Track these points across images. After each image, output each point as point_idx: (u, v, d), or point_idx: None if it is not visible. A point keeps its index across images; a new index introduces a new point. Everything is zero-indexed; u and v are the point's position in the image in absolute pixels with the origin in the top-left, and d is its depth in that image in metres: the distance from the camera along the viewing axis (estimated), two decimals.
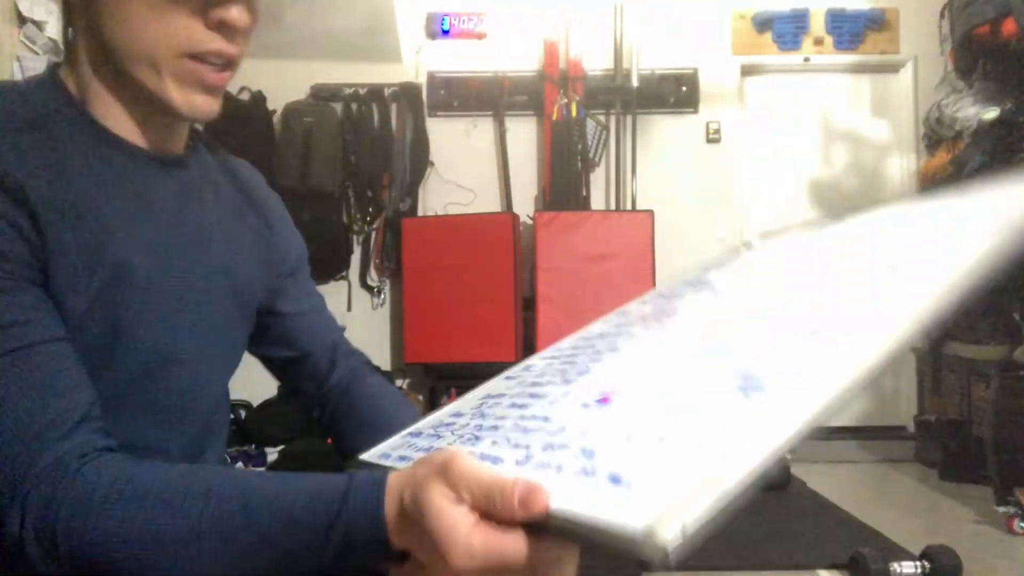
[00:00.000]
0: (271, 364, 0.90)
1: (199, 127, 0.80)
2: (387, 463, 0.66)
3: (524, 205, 3.53)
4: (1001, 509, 2.34)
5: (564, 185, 3.38)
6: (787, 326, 0.62)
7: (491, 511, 0.43)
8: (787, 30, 3.58)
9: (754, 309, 0.70)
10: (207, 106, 0.68)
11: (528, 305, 3.09)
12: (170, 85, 0.65)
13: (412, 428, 0.72)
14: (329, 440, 0.96)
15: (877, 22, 3.58)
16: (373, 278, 3.55)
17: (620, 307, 0.88)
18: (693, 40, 3.57)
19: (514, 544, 0.42)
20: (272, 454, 2.67)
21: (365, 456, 0.70)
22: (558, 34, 3.53)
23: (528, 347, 3.05)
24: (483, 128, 3.61)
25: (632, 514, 0.42)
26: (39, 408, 0.57)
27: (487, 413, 0.68)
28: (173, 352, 0.71)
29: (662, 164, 3.55)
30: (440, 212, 3.46)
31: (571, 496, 0.47)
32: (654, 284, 2.93)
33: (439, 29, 3.56)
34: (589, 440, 0.52)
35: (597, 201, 3.50)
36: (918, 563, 1.79)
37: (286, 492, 0.52)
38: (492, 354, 2.98)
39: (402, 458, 0.66)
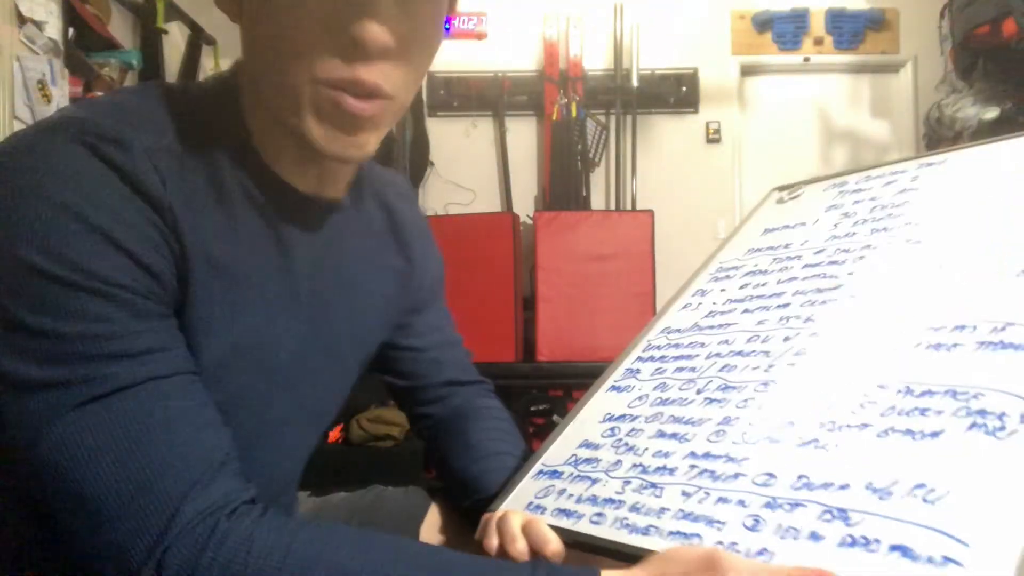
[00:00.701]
0: (384, 382, 0.87)
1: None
2: (548, 519, 0.59)
3: (524, 205, 3.53)
4: None
5: (564, 185, 3.38)
6: (958, 327, 0.50)
7: None
8: (787, 30, 3.58)
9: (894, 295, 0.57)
10: (355, 143, 0.56)
11: (528, 305, 3.09)
12: (310, 119, 0.54)
13: (542, 465, 0.65)
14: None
15: (877, 22, 3.58)
16: None
17: (689, 286, 0.78)
18: (693, 40, 3.57)
19: None
20: None
21: (507, 504, 0.64)
22: (558, 34, 3.53)
23: (528, 347, 3.05)
24: (483, 128, 3.61)
25: None
26: (183, 442, 0.50)
27: (633, 445, 0.60)
28: (270, 422, 0.65)
29: (662, 164, 3.55)
30: (440, 212, 3.46)
31: (846, 570, 0.40)
32: (654, 284, 2.92)
33: None
34: (825, 495, 0.45)
35: (597, 201, 3.50)
36: None
37: None
38: (492, 354, 2.98)
39: (562, 512, 0.59)
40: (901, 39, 3.59)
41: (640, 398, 0.65)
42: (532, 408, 2.82)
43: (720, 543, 0.47)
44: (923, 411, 0.46)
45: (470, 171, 3.55)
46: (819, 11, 3.58)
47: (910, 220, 0.64)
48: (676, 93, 3.54)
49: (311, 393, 0.68)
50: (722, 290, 0.73)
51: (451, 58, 3.56)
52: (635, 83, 3.43)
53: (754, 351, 0.60)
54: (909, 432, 0.45)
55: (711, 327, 0.68)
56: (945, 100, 3.09)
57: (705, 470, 0.52)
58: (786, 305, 0.63)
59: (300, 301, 0.64)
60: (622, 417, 0.64)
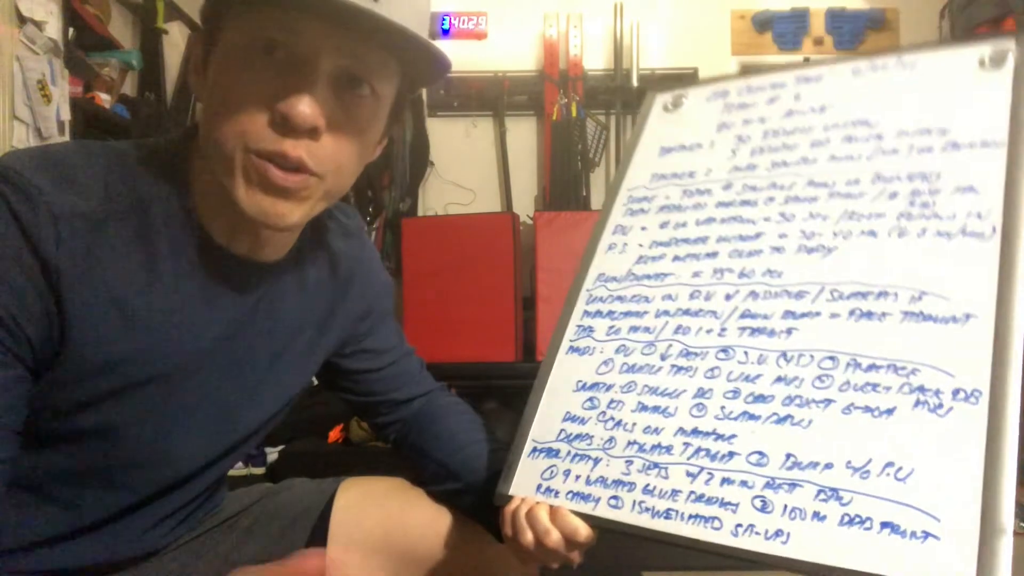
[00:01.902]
0: (343, 399, 0.93)
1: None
2: (565, 503, 0.63)
3: (524, 205, 3.53)
4: None
5: (564, 185, 3.38)
6: (880, 298, 0.56)
7: None
8: (787, 30, 3.58)
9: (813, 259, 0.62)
10: (275, 210, 0.60)
11: (528, 305, 3.09)
12: (239, 184, 0.60)
13: (534, 442, 0.69)
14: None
15: (877, 22, 3.58)
16: None
17: (606, 220, 0.81)
18: (693, 40, 3.57)
19: None
20: (272, 454, 2.67)
21: (515, 488, 0.68)
22: (558, 34, 3.53)
23: (528, 347, 3.05)
24: (483, 128, 3.61)
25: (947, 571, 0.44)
26: None
27: (619, 419, 0.64)
28: (172, 444, 0.72)
29: None
30: (440, 212, 3.46)
31: (848, 551, 0.48)
32: None
33: (439, 29, 3.56)
34: (815, 475, 0.52)
35: (597, 201, 3.49)
36: None
37: None
38: (492, 354, 2.98)
39: (577, 495, 0.63)
40: (901, 39, 3.58)
41: (606, 363, 0.68)
42: None
43: (739, 525, 0.54)
44: (874, 387, 0.54)
45: (470, 171, 3.55)
46: (819, 11, 3.58)
47: (806, 155, 0.68)
48: None
49: (219, 425, 0.75)
50: (642, 228, 0.77)
51: (451, 58, 3.54)
52: (635, 83, 3.43)
53: (701, 310, 0.66)
54: (868, 409, 0.53)
55: (647, 276, 0.72)
56: None
57: (699, 448, 0.58)
58: (715, 255, 0.68)
59: (221, 352, 0.70)
60: (596, 386, 0.68)
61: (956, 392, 0.50)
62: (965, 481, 0.47)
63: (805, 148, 0.69)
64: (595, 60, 3.55)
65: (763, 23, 3.59)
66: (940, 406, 0.50)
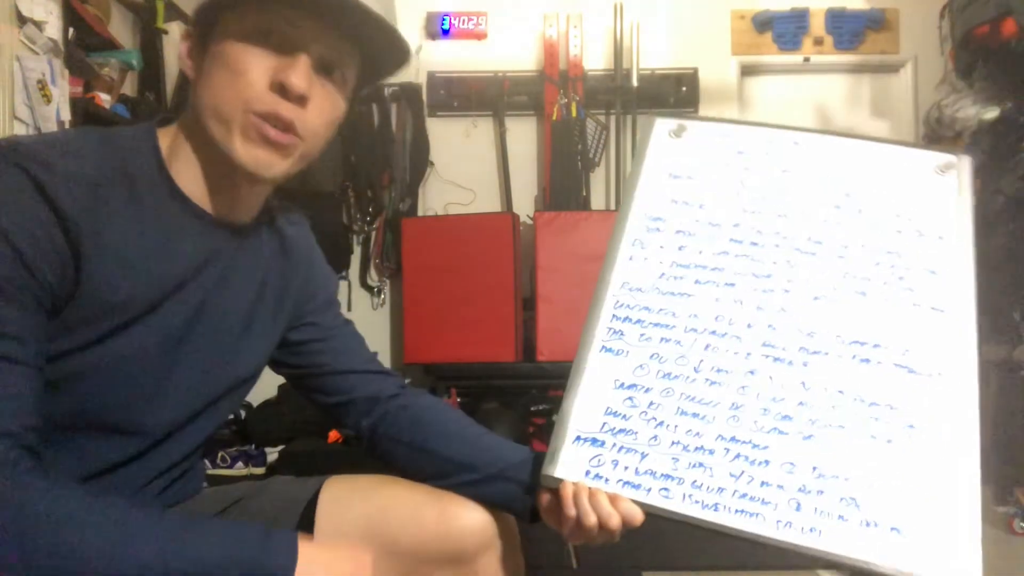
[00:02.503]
0: (291, 376, 0.97)
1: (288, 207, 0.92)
2: (618, 490, 0.70)
3: (524, 205, 3.53)
4: (1001, 509, 2.34)
5: (564, 185, 3.38)
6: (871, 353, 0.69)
7: None
8: (787, 30, 3.58)
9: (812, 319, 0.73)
10: (268, 160, 0.73)
11: (528, 305, 3.09)
12: (236, 139, 0.72)
13: (577, 431, 0.75)
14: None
15: (877, 22, 3.58)
16: (373, 278, 3.55)
17: (623, 231, 0.86)
18: (693, 40, 3.57)
19: None
20: (272, 454, 2.67)
21: (560, 471, 0.73)
22: (558, 34, 3.53)
23: (528, 347, 3.05)
24: (483, 128, 3.61)
25: (940, 567, 0.58)
26: None
27: (661, 420, 0.72)
28: (169, 376, 0.78)
29: None
30: (440, 212, 3.46)
31: (868, 548, 0.60)
32: None
33: (439, 29, 3.56)
34: (837, 484, 0.64)
35: (597, 201, 3.50)
36: None
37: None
38: (492, 354, 2.98)
39: (628, 484, 0.70)
40: (901, 39, 3.59)
41: (641, 367, 0.76)
42: (532, 408, 2.81)
43: (780, 521, 0.65)
44: (876, 419, 0.67)
45: (470, 171, 3.55)
46: (819, 11, 3.58)
47: (804, 211, 0.80)
48: (676, 93, 3.54)
49: (202, 375, 0.81)
50: (660, 246, 0.84)
51: (451, 58, 3.56)
52: (635, 83, 3.43)
53: (726, 333, 0.75)
54: (874, 437, 0.66)
55: (671, 293, 0.80)
56: (945, 100, 3.09)
57: (739, 453, 0.68)
58: (733, 285, 0.77)
59: (203, 300, 0.78)
60: (633, 387, 0.75)
61: (937, 432, 0.65)
62: (950, 498, 0.61)
63: (803, 206, 0.80)
64: (595, 60, 3.55)
65: (763, 23, 3.59)
66: (927, 442, 0.64)
